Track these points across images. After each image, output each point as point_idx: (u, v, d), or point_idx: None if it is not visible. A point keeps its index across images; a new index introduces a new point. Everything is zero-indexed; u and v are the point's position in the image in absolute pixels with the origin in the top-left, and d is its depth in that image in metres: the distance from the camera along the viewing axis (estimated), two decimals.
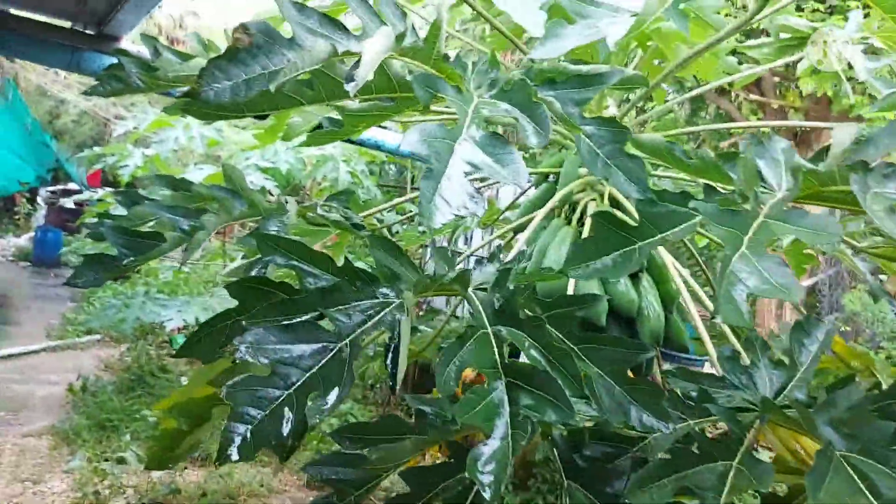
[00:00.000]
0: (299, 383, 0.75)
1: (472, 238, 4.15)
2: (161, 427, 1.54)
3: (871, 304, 4.03)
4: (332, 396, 0.73)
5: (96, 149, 3.83)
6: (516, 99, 0.84)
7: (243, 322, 0.81)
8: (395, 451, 1.02)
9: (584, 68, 1.00)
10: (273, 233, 1.29)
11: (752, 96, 4.24)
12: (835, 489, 0.76)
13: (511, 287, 0.94)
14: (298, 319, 0.83)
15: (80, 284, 1.27)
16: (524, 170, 0.74)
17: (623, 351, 0.91)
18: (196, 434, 1.49)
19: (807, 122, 2.26)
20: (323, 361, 0.78)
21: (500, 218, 2.41)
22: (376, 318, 0.86)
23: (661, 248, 1.58)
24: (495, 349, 0.87)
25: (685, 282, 1.35)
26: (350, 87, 0.76)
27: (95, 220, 1.50)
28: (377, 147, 3.18)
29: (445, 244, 4.74)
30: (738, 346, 1.25)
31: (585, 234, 1.53)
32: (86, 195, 6.17)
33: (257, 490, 2.77)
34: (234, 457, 0.69)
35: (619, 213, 1.53)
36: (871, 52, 1.63)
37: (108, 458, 2.96)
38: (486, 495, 0.69)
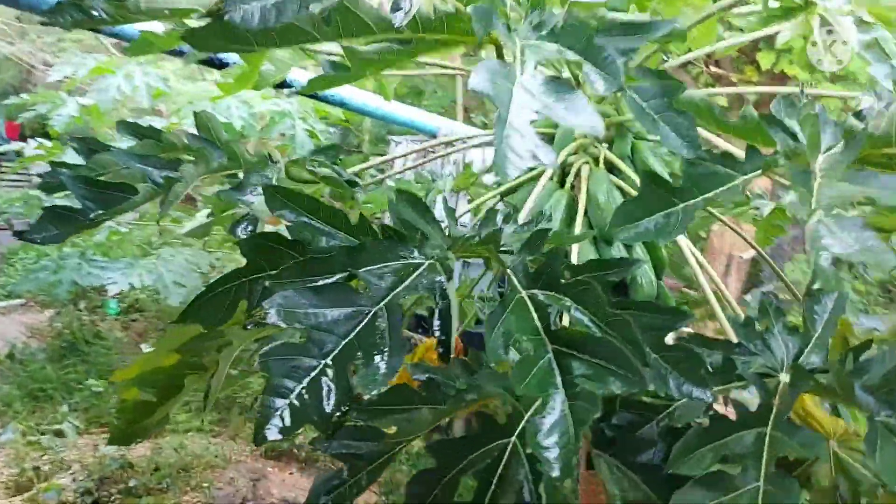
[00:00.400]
0: (336, 351, 0.67)
1: (434, 204, 4.04)
2: (123, 398, 1.41)
3: (809, 272, 4.20)
4: (381, 365, 0.65)
5: (24, 96, 3.48)
6: (572, 42, 0.76)
7: (267, 283, 0.72)
8: (411, 423, 0.96)
9: (624, 17, 0.93)
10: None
11: (712, 69, 4.31)
12: (886, 456, 0.75)
13: (544, 249, 0.88)
14: (327, 281, 0.74)
15: (39, 241, 1.12)
16: (598, 116, 0.67)
17: (661, 317, 0.87)
18: (167, 406, 1.37)
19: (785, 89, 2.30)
20: (359, 328, 0.70)
21: (476, 182, 2.34)
22: (408, 280, 0.78)
23: None
24: (534, 315, 0.81)
25: (691, 251, 1.33)
26: (398, 17, 0.67)
27: (49, 169, 1.33)
28: (341, 104, 3.02)
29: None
30: (722, 315, 1.24)
31: (582, 199, 1.48)
32: (3, 147, 5.66)
33: (213, 461, 2.64)
34: (274, 435, 0.60)
35: (615, 178, 1.49)
36: (861, 23, 1.64)
37: (43, 430, 2.75)
38: (555, 473, 0.63)
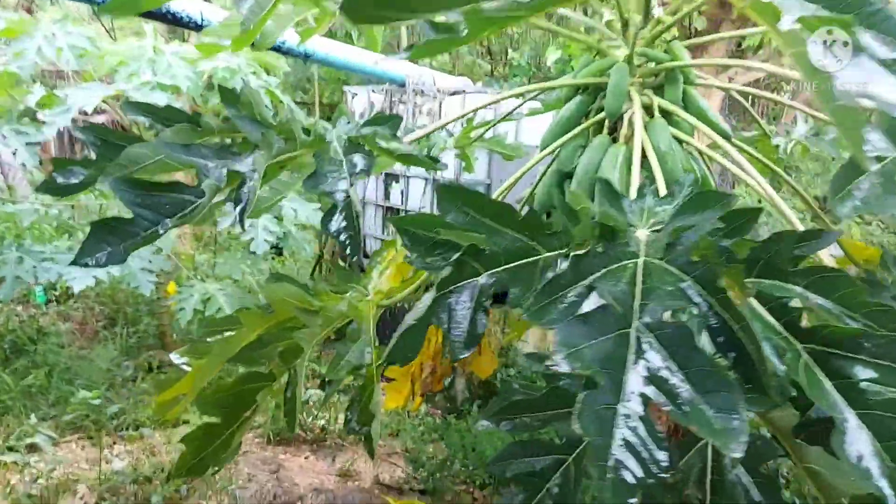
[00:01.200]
0: (634, 395, 0.55)
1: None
2: (184, 422, 1.24)
3: (754, 196, 4.44)
4: (706, 411, 0.54)
5: None
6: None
7: (524, 316, 0.59)
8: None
9: None
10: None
11: None
12: None
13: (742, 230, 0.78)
14: (573, 299, 0.61)
15: (93, 263, 0.91)
16: None
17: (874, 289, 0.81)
18: (240, 429, 1.20)
19: None
20: (632, 359, 0.58)
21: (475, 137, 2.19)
22: (638, 286, 0.66)
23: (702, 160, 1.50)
24: (762, 310, 0.72)
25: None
26: None
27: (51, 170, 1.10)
28: (305, 56, 2.73)
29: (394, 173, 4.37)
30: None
31: (650, 152, 1.39)
32: None
33: None
34: None
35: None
36: None
37: (12, 447, 2.43)
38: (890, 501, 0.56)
